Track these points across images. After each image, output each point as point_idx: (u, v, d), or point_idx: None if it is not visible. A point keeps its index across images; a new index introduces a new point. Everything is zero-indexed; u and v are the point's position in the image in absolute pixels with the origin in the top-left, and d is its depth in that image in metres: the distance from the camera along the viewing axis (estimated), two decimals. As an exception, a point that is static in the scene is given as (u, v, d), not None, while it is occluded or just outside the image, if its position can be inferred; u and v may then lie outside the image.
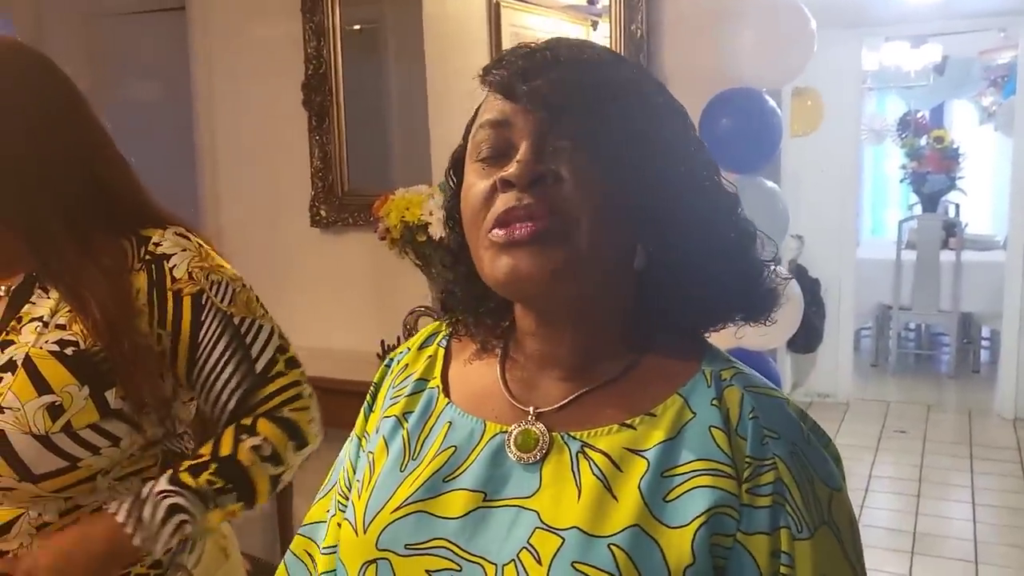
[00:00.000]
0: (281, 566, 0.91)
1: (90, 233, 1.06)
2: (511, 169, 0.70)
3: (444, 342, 0.87)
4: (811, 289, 5.09)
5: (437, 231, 2.35)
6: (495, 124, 0.73)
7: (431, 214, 2.37)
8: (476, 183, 0.73)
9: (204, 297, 1.08)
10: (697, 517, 0.67)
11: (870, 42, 5.62)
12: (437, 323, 0.90)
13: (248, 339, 1.11)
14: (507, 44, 2.70)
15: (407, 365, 0.88)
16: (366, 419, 0.89)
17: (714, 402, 0.72)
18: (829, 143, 5.02)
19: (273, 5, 2.88)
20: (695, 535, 0.67)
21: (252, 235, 2.94)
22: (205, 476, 1.07)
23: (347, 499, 0.85)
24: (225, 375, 1.10)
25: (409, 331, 2.52)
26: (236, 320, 1.10)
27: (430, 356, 0.87)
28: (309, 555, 0.89)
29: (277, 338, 1.14)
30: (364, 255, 2.75)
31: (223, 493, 1.07)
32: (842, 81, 5.07)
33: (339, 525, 0.84)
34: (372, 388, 0.91)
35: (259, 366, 1.12)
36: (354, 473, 0.86)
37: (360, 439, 0.88)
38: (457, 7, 2.75)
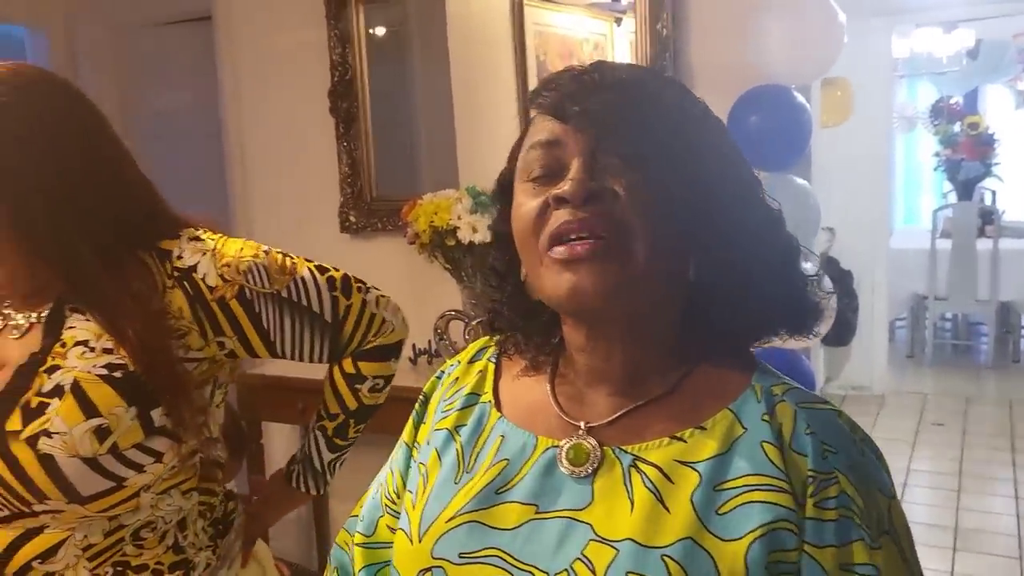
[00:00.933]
0: (328, 564, 0.96)
1: (117, 255, 1.07)
2: (565, 187, 0.72)
3: (494, 357, 0.90)
4: (843, 281, 5.03)
5: (466, 235, 2.36)
6: (546, 144, 0.75)
7: (459, 218, 2.38)
8: (527, 202, 0.75)
9: (247, 291, 1.10)
10: (751, 532, 0.69)
11: (901, 29, 5.54)
12: (486, 338, 0.93)
13: (303, 300, 1.14)
14: (531, 43, 2.70)
15: (457, 379, 0.90)
16: (416, 428, 0.92)
17: (765, 417, 0.74)
18: (860, 133, 4.95)
19: (298, 13, 2.90)
20: (748, 549, 0.68)
21: (282, 241, 2.92)
22: (351, 432, 1.26)
23: (394, 502, 0.89)
24: (307, 339, 1.16)
25: (440, 335, 2.53)
26: (284, 293, 1.13)
27: (480, 371, 0.89)
28: (349, 545, 0.94)
29: (319, 276, 1.17)
30: (393, 260, 2.76)
31: (361, 429, 1.27)
32: (872, 70, 5.00)
33: (390, 529, 0.87)
34: (422, 398, 0.93)
35: (327, 315, 1.16)
36: (403, 481, 0.89)
37: (410, 447, 0.91)
38: (481, 6, 2.74)
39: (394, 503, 0.89)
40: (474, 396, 0.87)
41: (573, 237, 0.71)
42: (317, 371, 1.27)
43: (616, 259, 0.71)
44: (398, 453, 0.92)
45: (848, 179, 4.98)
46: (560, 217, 0.72)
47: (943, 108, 6.79)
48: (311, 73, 2.88)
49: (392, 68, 2.96)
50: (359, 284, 1.20)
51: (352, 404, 1.23)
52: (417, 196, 2.52)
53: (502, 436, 0.81)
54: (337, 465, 1.29)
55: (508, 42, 2.70)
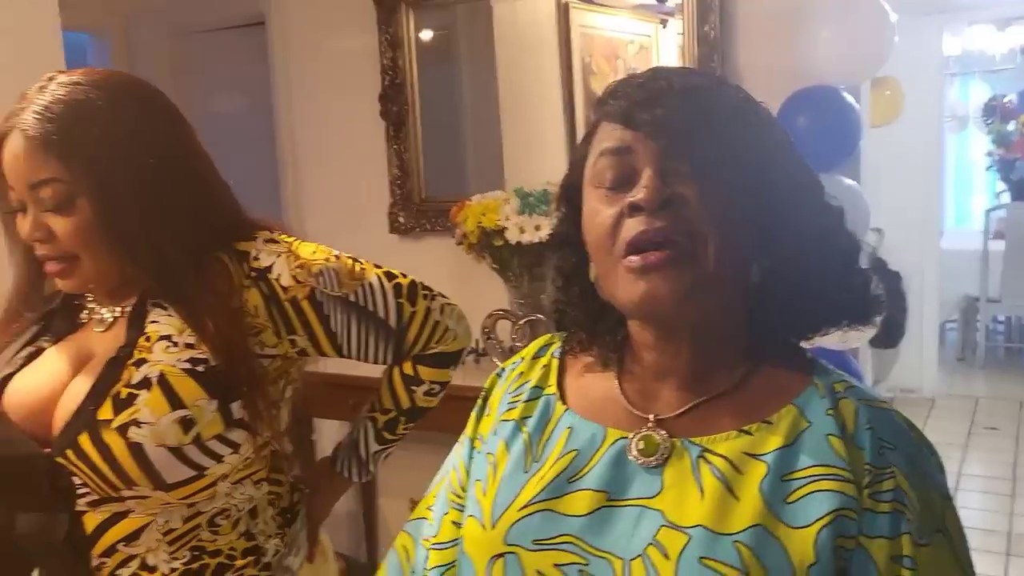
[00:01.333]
0: (382, 564, 0.98)
1: (199, 255, 1.12)
2: (639, 195, 0.74)
3: (558, 352, 0.93)
4: (892, 282, 4.96)
5: (513, 235, 2.39)
6: (617, 151, 0.78)
7: (507, 219, 2.41)
8: (602, 210, 0.78)
9: (318, 294, 1.14)
10: (820, 519, 0.71)
11: (952, 27, 5.45)
12: (548, 335, 0.96)
13: (369, 306, 1.18)
14: (576, 45, 2.72)
15: (522, 373, 0.93)
16: (477, 423, 0.95)
17: (829, 412, 0.76)
18: (909, 132, 4.88)
19: (350, 18, 2.95)
20: (818, 535, 0.71)
21: (333, 242, 2.98)
22: (400, 428, 1.29)
23: (460, 496, 0.91)
24: (371, 343, 1.20)
25: (487, 334, 2.56)
26: (352, 297, 1.17)
27: (544, 366, 0.92)
28: (406, 550, 0.96)
29: (386, 283, 1.20)
30: (442, 260, 2.79)
31: (411, 427, 1.31)
32: (923, 68, 4.92)
33: (455, 524, 0.90)
34: (483, 393, 0.96)
35: (392, 321, 1.20)
36: (467, 474, 0.92)
37: (473, 440, 0.94)
38: (527, 9, 2.77)
39: (459, 497, 0.92)
40: (538, 389, 0.90)
41: (648, 246, 0.74)
42: (369, 369, 1.30)
43: (688, 265, 0.74)
44: (460, 448, 0.95)
45: (897, 179, 4.91)
46: (635, 226, 0.74)
47: (996, 107, 6.66)
48: (362, 77, 2.93)
49: (440, 71, 3.00)
50: (425, 291, 1.23)
51: (406, 403, 1.27)
52: (465, 197, 2.56)
53: (570, 428, 0.84)
54: (381, 458, 1.33)
55: (554, 44, 2.72)
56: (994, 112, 6.66)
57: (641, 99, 0.77)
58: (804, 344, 0.85)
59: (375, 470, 1.33)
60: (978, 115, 6.88)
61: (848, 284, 0.80)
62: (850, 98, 2.15)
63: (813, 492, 0.73)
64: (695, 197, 0.74)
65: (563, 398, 0.88)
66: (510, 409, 0.90)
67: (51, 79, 1.09)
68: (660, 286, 0.74)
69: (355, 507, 3.03)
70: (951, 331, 6.36)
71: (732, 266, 0.76)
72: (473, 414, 0.96)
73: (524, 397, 0.90)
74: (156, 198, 1.09)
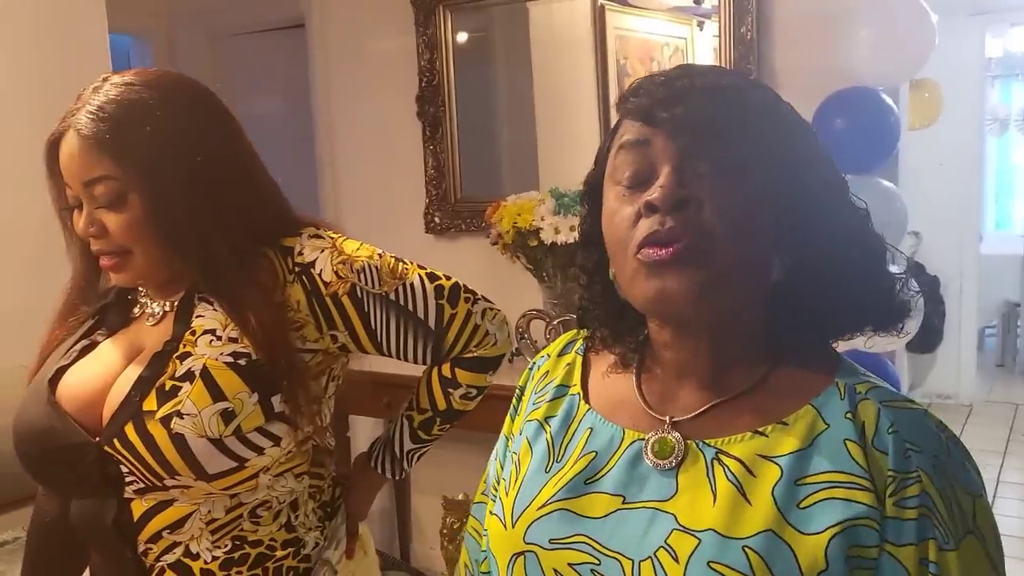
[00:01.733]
0: (463, 548, 1.02)
1: (245, 250, 1.14)
2: (655, 194, 0.74)
3: (582, 349, 0.93)
4: (930, 287, 4.90)
5: (548, 236, 2.40)
6: (636, 145, 0.77)
7: (542, 219, 2.42)
8: (620, 209, 0.77)
9: (358, 290, 1.16)
10: (831, 527, 0.70)
11: (994, 28, 5.36)
12: (574, 331, 0.96)
13: (409, 304, 1.19)
14: (611, 47, 2.72)
15: (547, 371, 0.94)
16: (512, 421, 0.96)
17: (848, 415, 0.75)
18: (949, 135, 4.82)
19: (388, 21, 2.98)
20: (828, 543, 0.70)
21: (371, 242, 3.04)
22: (435, 429, 1.30)
23: (496, 492, 0.92)
24: (410, 343, 1.21)
25: (521, 334, 2.57)
26: (392, 295, 1.18)
27: (568, 363, 0.93)
28: (477, 532, 0.99)
29: (428, 284, 1.21)
30: (477, 260, 2.81)
31: (446, 428, 1.33)
32: (963, 70, 4.86)
33: (491, 514, 0.91)
34: (518, 391, 0.97)
35: (431, 322, 1.21)
36: (502, 470, 0.93)
37: (507, 439, 0.95)
38: (562, 11, 2.79)
39: (495, 491, 0.93)
40: (563, 388, 0.91)
41: (658, 246, 0.73)
42: (404, 367, 1.31)
43: (700, 264, 0.73)
44: (499, 445, 0.97)
45: (936, 182, 4.86)
46: (649, 225, 0.74)
47: (1039, 109, 6.54)
48: (400, 78, 2.97)
49: (476, 73, 3.02)
50: (467, 294, 1.24)
51: (442, 405, 1.28)
52: (500, 198, 2.58)
53: (590, 428, 0.85)
54: (415, 457, 1.33)
55: (589, 46, 2.73)
56: (1037, 115, 6.54)
57: (663, 97, 0.76)
58: (837, 347, 0.83)
59: (409, 468, 1.34)
60: (1020, 118, 6.76)
61: (873, 287, 0.78)
62: (888, 100, 2.14)
63: (826, 499, 0.71)
64: (712, 198, 0.73)
65: (586, 397, 0.89)
66: (535, 409, 0.91)
67: (105, 80, 1.13)
68: (672, 284, 0.73)
69: (388, 504, 3.07)
70: (990, 337, 6.26)
71: (750, 266, 0.75)
72: (510, 412, 0.97)
73: (548, 396, 0.91)
74: (204, 194, 1.11)
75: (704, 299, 0.74)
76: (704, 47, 2.66)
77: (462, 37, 2.94)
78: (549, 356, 0.96)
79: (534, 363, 0.98)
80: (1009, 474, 4.12)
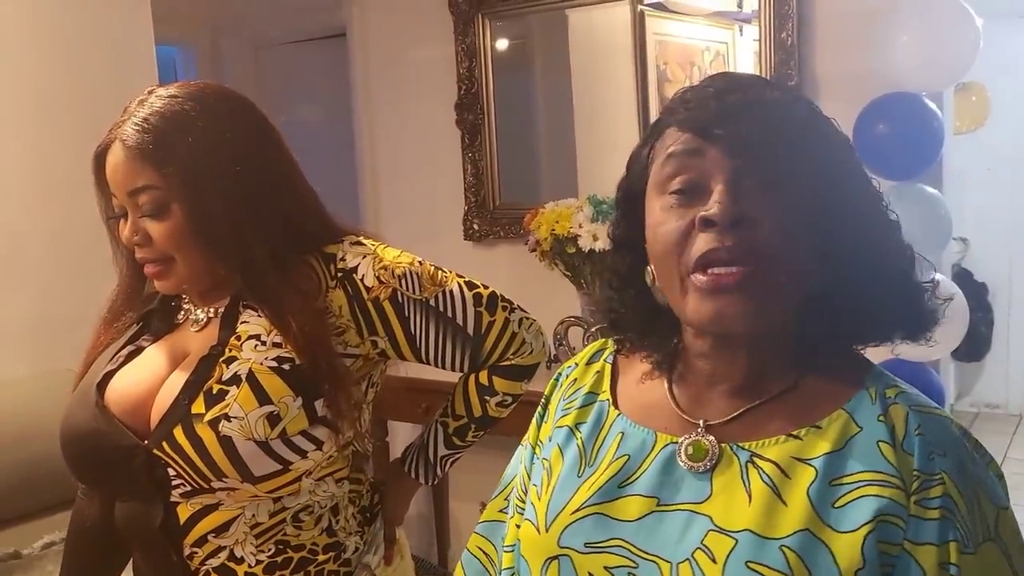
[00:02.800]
0: (459, 566, 1.00)
1: (287, 258, 1.17)
2: (712, 209, 0.74)
3: (611, 358, 0.94)
4: (977, 294, 4.81)
5: (586, 243, 2.40)
6: (687, 155, 0.77)
7: (580, 226, 2.42)
8: (668, 220, 0.77)
9: (399, 295, 1.18)
10: (866, 523, 0.71)
11: (1043, 30, 5.25)
12: (602, 340, 0.97)
13: (449, 312, 1.21)
14: (652, 53, 2.72)
15: (576, 379, 0.95)
16: (538, 429, 0.96)
17: (880, 418, 0.76)
18: (997, 139, 4.74)
19: (428, 29, 3.01)
20: (865, 540, 0.71)
21: (410, 249, 3.02)
22: (470, 435, 1.32)
23: (523, 502, 0.93)
24: (448, 349, 1.22)
25: (559, 341, 2.58)
26: (432, 302, 1.20)
27: (598, 371, 0.94)
28: (483, 552, 0.98)
29: (466, 292, 1.23)
30: (515, 267, 2.83)
31: (480, 436, 1.34)
32: (1011, 72, 4.77)
33: (518, 526, 0.92)
34: (543, 400, 0.98)
35: (470, 329, 1.22)
36: (529, 479, 0.93)
37: (534, 447, 0.95)
38: (602, 17, 2.79)
39: (522, 502, 0.94)
40: (592, 395, 0.91)
41: (720, 266, 0.74)
42: (442, 373, 1.32)
43: (756, 288, 0.74)
44: (523, 454, 0.97)
45: (983, 188, 4.77)
46: (707, 242, 0.74)
47: (1090, 112, 6.38)
48: (439, 86, 2.99)
49: (515, 80, 3.04)
50: (505, 303, 1.25)
51: (478, 412, 1.29)
52: (539, 205, 2.58)
53: (622, 433, 0.85)
54: (449, 462, 1.34)
55: (629, 52, 2.73)
56: (1088, 118, 6.38)
57: (717, 112, 0.76)
58: (865, 353, 0.84)
59: (443, 474, 1.35)
60: (1071, 121, 6.61)
61: (902, 296, 0.79)
62: (932, 105, 2.11)
63: (860, 497, 0.72)
64: (765, 216, 0.74)
65: (615, 403, 0.89)
66: (564, 415, 0.91)
67: (150, 92, 1.16)
68: (730, 307, 0.74)
69: (426, 510, 3.08)
70: (1040, 345, 6.11)
71: (798, 282, 0.76)
72: (534, 420, 0.97)
73: (578, 403, 0.91)
74: (245, 204, 1.14)
75: (759, 320, 0.75)
76: (745, 52, 2.65)
77: (501, 45, 2.96)
78: (577, 365, 0.97)
79: (560, 372, 0.98)
80: (1060, 486, 4.02)
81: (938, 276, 2.17)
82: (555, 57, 2.94)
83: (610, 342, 0.95)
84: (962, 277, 4.81)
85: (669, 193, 0.78)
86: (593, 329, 2.47)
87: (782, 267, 0.74)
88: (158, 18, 2.33)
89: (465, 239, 3.01)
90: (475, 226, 3.00)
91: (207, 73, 3.58)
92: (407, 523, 1.40)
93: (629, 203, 0.86)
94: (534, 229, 2.53)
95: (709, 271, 0.74)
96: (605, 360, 0.94)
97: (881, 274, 0.78)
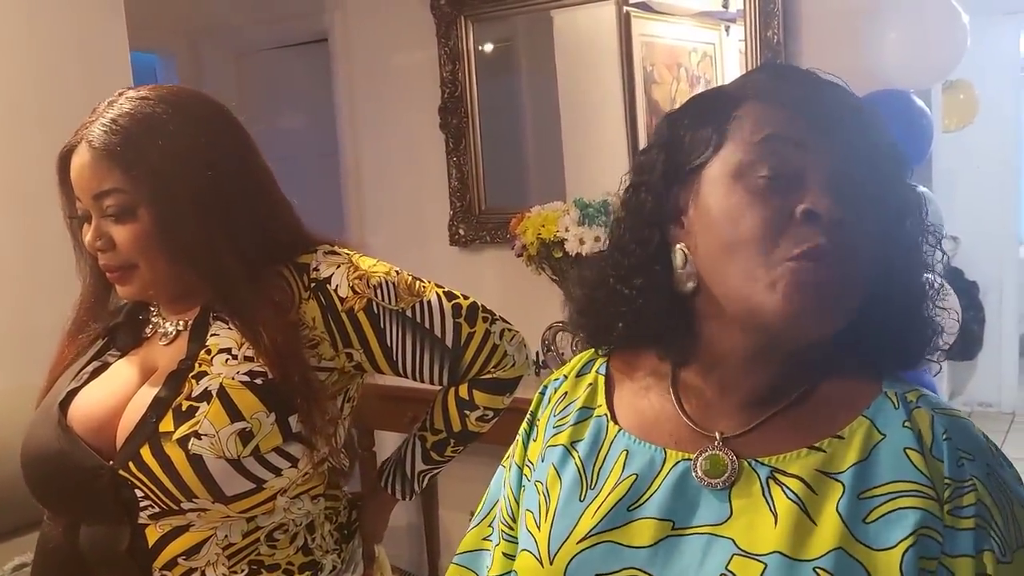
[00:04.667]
0: None
1: (259, 268, 1.13)
2: (820, 203, 0.69)
3: (603, 369, 0.87)
4: (968, 292, 4.79)
5: (573, 247, 2.37)
6: (789, 142, 0.72)
7: (567, 230, 2.39)
8: (753, 204, 0.71)
9: (375, 306, 1.14)
10: (904, 539, 0.68)
11: (1030, 27, 5.26)
12: (591, 351, 0.90)
13: (426, 323, 1.17)
14: (638, 54, 2.69)
15: (566, 393, 0.88)
16: (525, 448, 0.89)
17: (906, 424, 0.73)
18: (986, 137, 4.73)
19: (410, 33, 2.98)
20: (903, 557, 0.67)
21: (395, 255, 2.99)
22: (448, 450, 1.27)
23: (512, 528, 0.87)
24: (426, 362, 1.18)
25: (547, 346, 2.54)
26: (408, 312, 1.16)
27: (590, 384, 0.87)
28: None
29: (445, 302, 1.19)
30: (502, 272, 2.80)
31: (459, 451, 1.30)
32: (999, 70, 4.78)
33: (506, 555, 0.86)
34: (529, 417, 0.91)
35: (449, 341, 1.18)
36: (516, 503, 0.87)
37: (521, 468, 0.89)
38: (587, 19, 2.77)
39: (511, 528, 0.87)
40: (587, 410, 0.84)
41: (818, 261, 0.69)
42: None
43: (846, 293, 0.71)
44: (509, 475, 0.90)
45: (974, 186, 4.76)
46: (813, 236, 0.69)
47: (1078, 109, 6.40)
48: (422, 90, 2.96)
49: (500, 83, 3.01)
50: (486, 314, 1.21)
51: (457, 427, 1.25)
52: (525, 209, 2.56)
53: (626, 451, 0.79)
54: (427, 477, 1.30)
55: (615, 54, 2.71)
56: (1076, 114, 6.40)
57: (826, 106, 0.72)
58: None
59: (420, 489, 1.31)
60: (1059, 118, 6.62)
61: (918, 329, 0.77)
62: (920, 102, 2.08)
63: (894, 511, 0.69)
64: (861, 223, 0.70)
65: (614, 418, 0.83)
66: (557, 433, 0.85)
67: (120, 94, 1.13)
68: (819, 305, 0.69)
69: (416, 520, 3.04)
70: (1032, 343, 6.12)
71: (862, 295, 0.73)
72: (519, 439, 0.91)
73: (572, 419, 0.84)
74: (215, 210, 1.10)
75: (832, 326, 0.71)
76: (732, 52, 2.63)
77: (485, 47, 2.94)
78: (566, 377, 0.90)
79: (546, 386, 0.92)
80: (1054, 484, 4.00)
81: (928, 275, 2.16)
82: (540, 59, 2.92)
83: (599, 352, 0.88)
84: (953, 275, 4.80)
85: (759, 176, 0.72)
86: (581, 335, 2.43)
87: (863, 277, 0.71)
88: (136, 24, 2.30)
89: (451, 244, 2.98)
90: (461, 231, 2.96)
91: (188, 80, 3.54)
92: (397, 535, 1.36)
93: (671, 178, 0.78)
94: (520, 233, 2.50)
95: (812, 262, 0.69)
96: (597, 371, 0.87)
97: (908, 301, 0.76)
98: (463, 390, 1.22)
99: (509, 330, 1.23)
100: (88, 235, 1.11)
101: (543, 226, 2.43)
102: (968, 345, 4.81)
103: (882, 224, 0.72)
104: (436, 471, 1.30)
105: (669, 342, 0.81)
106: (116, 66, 2.17)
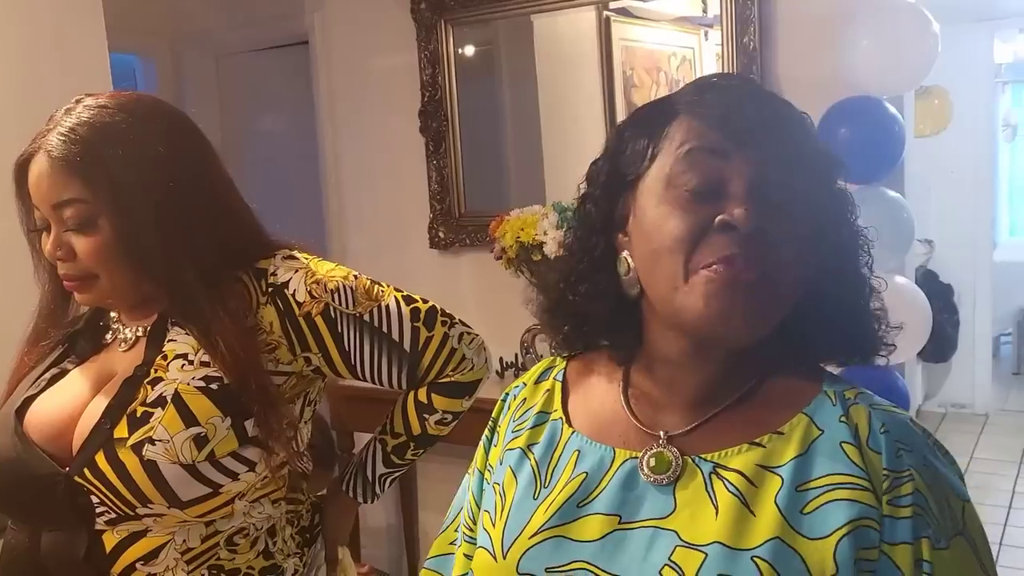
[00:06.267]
0: None
1: (217, 275, 1.13)
2: (735, 213, 0.72)
3: (560, 376, 0.91)
4: (943, 295, 4.86)
5: (552, 250, 2.39)
6: (711, 154, 0.75)
7: (545, 233, 2.40)
8: (677, 215, 0.74)
9: (332, 310, 1.14)
10: (838, 529, 0.70)
11: (1003, 34, 5.33)
12: (550, 359, 0.94)
13: (384, 327, 1.17)
14: (617, 59, 2.72)
15: (525, 399, 0.92)
16: (487, 453, 0.93)
17: (842, 419, 0.75)
18: (960, 142, 4.81)
19: (390, 36, 2.98)
20: (837, 546, 0.70)
21: (374, 257, 3.05)
22: (409, 454, 1.27)
23: (472, 530, 0.90)
24: (384, 366, 1.18)
25: (527, 349, 2.56)
26: (366, 316, 1.16)
27: (547, 390, 0.90)
28: None
29: (403, 306, 1.19)
30: (481, 275, 2.81)
31: (420, 454, 1.30)
32: (973, 76, 4.85)
33: (466, 556, 0.89)
34: (490, 423, 0.94)
35: (406, 345, 1.18)
36: (478, 507, 0.90)
37: (483, 473, 0.92)
38: (567, 23, 2.78)
39: (471, 531, 0.91)
40: (544, 415, 0.88)
41: (734, 267, 0.72)
42: (405, 383, 1.29)
43: (766, 299, 0.73)
44: (471, 480, 0.93)
45: (948, 190, 4.83)
46: (726, 245, 0.72)
47: (1050, 115, 6.49)
48: (402, 94, 2.96)
49: (480, 87, 3.01)
50: (444, 318, 1.22)
51: (416, 430, 1.25)
52: (505, 212, 2.57)
53: (578, 451, 0.82)
54: (388, 482, 1.30)
55: (595, 58, 2.73)
56: (1048, 120, 6.49)
57: (749, 117, 0.74)
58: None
59: (382, 493, 1.31)
60: (1032, 123, 6.71)
61: (860, 324, 0.80)
62: (892, 109, 2.12)
63: (829, 502, 0.72)
64: (779, 231, 0.73)
65: (569, 421, 0.86)
66: (515, 437, 0.88)
67: (78, 102, 1.11)
68: (737, 308, 0.72)
69: (395, 521, 3.05)
70: (1005, 344, 6.20)
71: (791, 299, 0.75)
72: (481, 444, 0.94)
73: (529, 424, 0.88)
74: (175, 219, 1.10)
75: (757, 328, 0.74)
76: (711, 56, 2.65)
77: (465, 51, 2.94)
78: (525, 384, 0.93)
79: (508, 393, 0.95)
80: (1026, 485, 4.06)
81: (901, 279, 2.19)
82: (520, 63, 2.93)
83: (559, 360, 0.92)
84: (928, 279, 4.86)
85: (683, 188, 0.75)
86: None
87: (786, 282, 0.74)
88: (115, 26, 2.29)
89: (431, 247, 2.98)
90: (441, 234, 2.97)
91: (168, 81, 3.53)
92: (375, 536, 1.37)
93: (614, 188, 0.82)
94: (499, 236, 2.51)
95: (725, 269, 0.71)
96: (555, 378, 0.91)
97: (846, 299, 0.78)
98: (422, 394, 1.23)
99: (468, 333, 1.23)
100: (48, 244, 1.10)
101: (522, 229, 2.44)
102: (942, 347, 4.88)
103: (809, 228, 0.74)
104: (397, 474, 1.31)
105: (617, 345, 0.85)
106: (95, 68, 2.17)
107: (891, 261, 2.13)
